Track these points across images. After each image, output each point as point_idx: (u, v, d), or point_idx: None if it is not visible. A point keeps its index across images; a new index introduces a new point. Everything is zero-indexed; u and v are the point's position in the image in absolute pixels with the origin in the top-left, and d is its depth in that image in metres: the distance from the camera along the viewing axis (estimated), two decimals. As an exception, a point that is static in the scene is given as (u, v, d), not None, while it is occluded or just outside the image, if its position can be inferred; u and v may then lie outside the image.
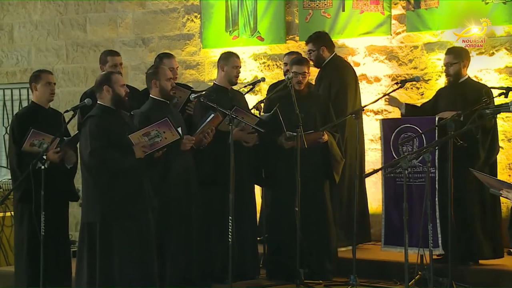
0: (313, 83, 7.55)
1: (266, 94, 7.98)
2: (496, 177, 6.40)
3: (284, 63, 7.83)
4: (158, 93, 6.28)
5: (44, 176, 5.94)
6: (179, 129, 5.87)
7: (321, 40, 7.53)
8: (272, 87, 7.90)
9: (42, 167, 5.98)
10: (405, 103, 6.99)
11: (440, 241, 6.31)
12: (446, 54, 6.81)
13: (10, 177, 9.41)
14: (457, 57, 6.69)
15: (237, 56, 6.92)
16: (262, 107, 7.21)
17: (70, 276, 6.62)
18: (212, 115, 6.26)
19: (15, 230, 6.69)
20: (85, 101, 6.24)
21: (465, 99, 6.51)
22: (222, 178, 6.37)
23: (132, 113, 6.16)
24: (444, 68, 6.85)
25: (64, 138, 6.37)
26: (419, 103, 7.55)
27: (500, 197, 6.51)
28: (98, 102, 5.88)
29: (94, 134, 5.66)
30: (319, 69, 7.59)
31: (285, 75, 7.84)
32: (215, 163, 6.55)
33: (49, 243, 6.11)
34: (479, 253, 6.57)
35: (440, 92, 6.99)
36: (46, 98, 6.62)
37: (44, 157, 6.02)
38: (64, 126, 6.32)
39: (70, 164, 6.46)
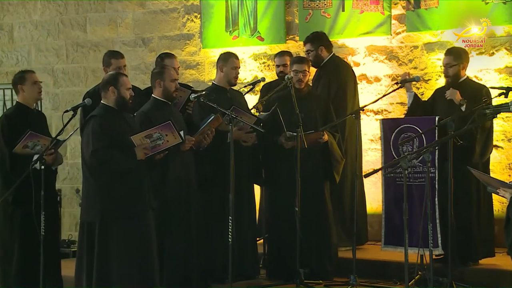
0: (311, 83, 7.54)
1: (260, 94, 7.98)
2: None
3: (276, 65, 7.85)
4: (160, 93, 6.28)
5: (36, 177, 5.94)
6: (181, 133, 5.87)
7: (319, 40, 7.54)
8: (264, 88, 7.90)
9: (43, 167, 5.99)
10: (415, 94, 6.91)
11: (439, 241, 6.31)
12: (445, 55, 6.80)
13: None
14: (457, 58, 6.69)
15: (236, 57, 6.92)
16: (261, 107, 7.20)
17: (60, 276, 6.62)
18: (213, 116, 6.26)
19: (4, 231, 6.58)
20: (85, 101, 6.23)
21: (464, 99, 6.51)
22: (222, 178, 6.38)
23: (134, 114, 6.16)
24: (443, 68, 6.84)
25: (59, 140, 6.35)
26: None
27: (493, 198, 6.55)
28: (102, 101, 5.88)
29: (96, 134, 5.66)
30: (316, 69, 7.59)
31: (278, 75, 7.87)
32: (214, 163, 6.55)
33: (38, 244, 6.10)
34: (475, 253, 6.57)
35: (438, 92, 6.97)
36: (34, 98, 6.61)
37: (44, 157, 6.03)
38: (63, 127, 6.31)
39: (56, 165, 6.46)
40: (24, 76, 6.60)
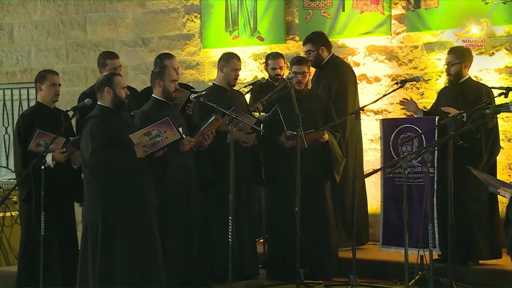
0: (310, 83, 7.53)
1: (251, 96, 7.91)
2: (495, 177, 6.39)
3: (272, 68, 7.83)
4: (160, 93, 6.29)
5: (44, 176, 5.95)
6: (180, 129, 5.88)
7: (320, 40, 7.54)
8: (255, 90, 7.85)
9: (42, 167, 5.99)
10: (423, 111, 6.89)
11: (437, 242, 6.30)
12: (448, 53, 6.81)
13: (10, 177, 9.42)
14: (459, 57, 6.69)
15: (238, 58, 6.90)
16: (261, 108, 7.19)
17: (74, 276, 6.62)
18: (213, 117, 6.26)
19: (22, 230, 6.65)
20: (85, 101, 6.23)
21: (465, 99, 6.51)
22: (222, 178, 6.37)
23: (132, 113, 6.16)
24: (446, 66, 6.85)
25: (70, 138, 6.37)
26: (419, 103, 7.52)
27: (499, 197, 6.54)
28: (98, 102, 5.89)
29: (95, 134, 5.67)
30: (315, 69, 7.59)
31: (273, 77, 7.86)
32: (214, 164, 6.54)
33: (53, 243, 6.10)
34: (477, 254, 6.56)
35: (441, 92, 6.99)
36: (50, 99, 6.65)
37: (46, 157, 6.02)
38: (65, 126, 6.30)
39: (77, 164, 6.45)
40: (44, 76, 6.65)
